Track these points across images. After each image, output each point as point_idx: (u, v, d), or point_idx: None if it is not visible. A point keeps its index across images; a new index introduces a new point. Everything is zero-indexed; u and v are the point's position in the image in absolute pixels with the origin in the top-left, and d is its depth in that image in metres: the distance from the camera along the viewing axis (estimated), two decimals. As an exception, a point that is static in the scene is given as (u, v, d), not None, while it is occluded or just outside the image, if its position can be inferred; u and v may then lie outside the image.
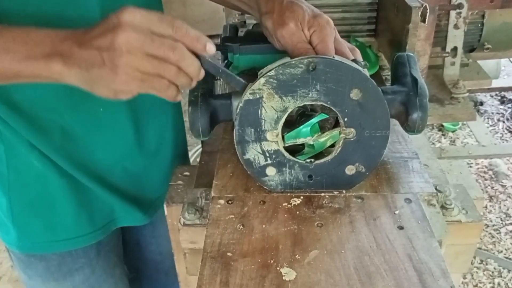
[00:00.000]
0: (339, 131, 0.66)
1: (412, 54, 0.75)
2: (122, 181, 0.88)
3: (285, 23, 0.69)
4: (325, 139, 0.67)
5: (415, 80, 0.68)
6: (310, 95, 0.63)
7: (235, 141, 0.66)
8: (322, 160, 0.67)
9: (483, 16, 1.15)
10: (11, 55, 0.56)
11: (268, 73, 0.62)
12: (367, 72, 0.65)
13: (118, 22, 0.53)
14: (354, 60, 0.68)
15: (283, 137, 0.66)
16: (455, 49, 1.06)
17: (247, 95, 0.63)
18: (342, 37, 0.77)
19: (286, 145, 0.67)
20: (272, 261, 0.58)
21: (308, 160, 0.67)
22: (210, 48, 0.57)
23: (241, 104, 0.64)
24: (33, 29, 0.57)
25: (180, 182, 0.81)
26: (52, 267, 0.88)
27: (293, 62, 0.61)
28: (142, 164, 0.90)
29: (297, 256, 0.59)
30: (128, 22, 0.53)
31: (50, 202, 0.82)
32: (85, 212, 0.85)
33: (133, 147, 0.87)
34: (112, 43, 0.52)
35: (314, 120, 0.67)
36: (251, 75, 0.68)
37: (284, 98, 0.63)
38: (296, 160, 0.67)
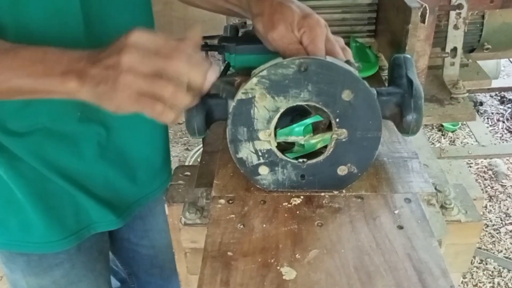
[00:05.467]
0: (331, 136, 0.66)
1: (408, 56, 0.75)
2: (99, 186, 0.88)
3: (275, 25, 0.70)
4: (316, 141, 0.68)
5: (410, 82, 0.68)
6: (302, 96, 0.63)
7: (228, 140, 0.66)
8: (314, 160, 0.68)
9: (483, 17, 1.15)
10: (29, 72, 0.59)
11: (260, 73, 0.62)
12: (358, 74, 0.65)
13: (125, 43, 0.56)
14: (347, 61, 0.68)
15: (275, 131, 0.67)
16: (455, 49, 1.06)
17: (239, 95, 0.63)
18: (342, 38, 0.77)
19: (277, 140, 0.67)
20: (272, 261, 0.59)
21: (300, 160, 0.68)
22: (210, 77, 0.59)
23: (233, 104, 0.64)
24: (50, 49, 0.60)
25: (181, 181, 0.81)
26: (32, 262, 0.89)
27: (285, 62, 0.62)
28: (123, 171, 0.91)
29: (297, 255, 0.59)
30: (133, 43, 0.55)
31: (20, 206, 0.83)
32: (56, 219, 0.85)
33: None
34: (117, 62, 0.55)
35: (308, 121, 0.67)
36: (247, 74, 0.69)
37: (276, 98, 0.63)
38: (288, 159, 0.68)
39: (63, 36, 0.70)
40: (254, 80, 0.63)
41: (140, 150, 0.92)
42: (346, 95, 0.63)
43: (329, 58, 0.65)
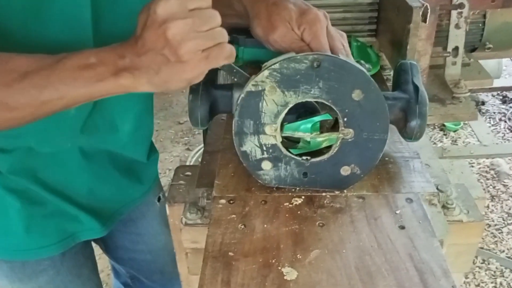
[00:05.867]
0: (337, 136, 0.66)
1: (415, 62, 0.75)
2: (84, 195, 0.87)
3: (274, 27, 0.70)
4: (322, 139, 0.68)
5: (416, 88, 0.68)
6: (312, 92, 0.63)
7: (233, 132, 0.66)
8: (318, 159, 0.68)
9: (484, 16, 1.15)
10: (81, 82, 0.58)
11: (272, 66, 0.62)
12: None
13: (159, 19, 0.54)
14: (358, 62, 0.68)
15: (282, 126, 0.66)
16: (456, 48, 1.06)
17: (249, 87, 0.63)
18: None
19: (283, 135, 0.67)
20: (273, 261, 0.59)
21: (304, 158, 0.68)
22: None
23: (242, 95, 0.64)
24: (89, 53, 0.59)
25: (181, 182, 0.81)
26: (16, 268, 0.88)
27: (298, 57, 0.62)
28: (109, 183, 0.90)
29: (298, 255, 0.59)
30: (167, 15, 0.54)
31: (1, 213, 0.82)
32: (38, 227, 0.84)
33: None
34: (166, 39, 0.54)
35: (316, 118, 0.67)
36: (254, 68, 0.68)
37: (286, 92, 0.63)
38: (292, 156, 0.68)
39: (73, 43, 0.69)
40: (265, 72, 0.62)
41: (124, 154, 0.91)
42: (356, 95, 0.63)
43: (342, 57, 0.65)
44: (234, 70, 0.65)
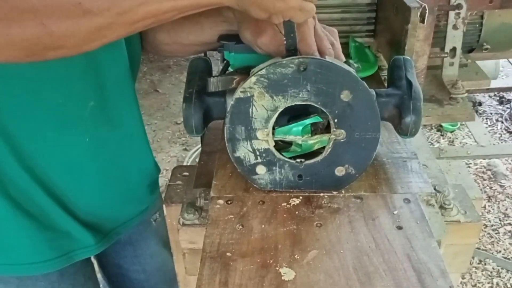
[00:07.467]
0: (328, 137, 0.66)
1: (408, 58, 0.75)
2: (83, 211, 0.85)
3: (262, 30, 0.70)
4: (314, 142, 0.68)
5: (409, 84, 0.68)
6: (300, 95, 0.63)
7: (225, 138, 0.66)
8: (312, 161, 0.68)
9: (482, 17, 1.15)
10: None
11: (259, 72, 0.62)
12: (357, 74, 0.65)
13: None
14: (347, 62, 0.68)
15: (274, 130, 0.66)
16: (454, 49, 1.06)
17: (238, 93, 0.63)
18: (341, 37, 0.77)
19: (275, 138, 0.67)
20: (271, 261, 0.59)
21: (298, 160, 0.68)
22: None
23: (232, 102, 0.64)
24: None
25: (179, 182, 0.81)
26: None
27: (284, 61, 0.62)
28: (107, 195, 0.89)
29: (296, 256, 0.59)
30: None
31: None
32: (31, 240, 0.82)
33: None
34: None
35: (307, 121, 0.67)
36: (246, 73, 0.68)
37: (274, 97, 0.63)
38: (286, 159, 0.68)
39: None
40: (253, 79, 0.62)
41: (125, 176, 0.89)
42: (345, 96, 0.63)
43: (328, 58, 0.65)
44: (292, 34, 0.65)
